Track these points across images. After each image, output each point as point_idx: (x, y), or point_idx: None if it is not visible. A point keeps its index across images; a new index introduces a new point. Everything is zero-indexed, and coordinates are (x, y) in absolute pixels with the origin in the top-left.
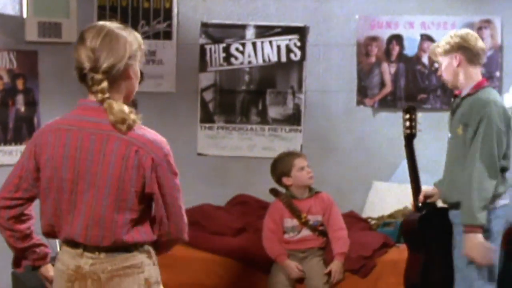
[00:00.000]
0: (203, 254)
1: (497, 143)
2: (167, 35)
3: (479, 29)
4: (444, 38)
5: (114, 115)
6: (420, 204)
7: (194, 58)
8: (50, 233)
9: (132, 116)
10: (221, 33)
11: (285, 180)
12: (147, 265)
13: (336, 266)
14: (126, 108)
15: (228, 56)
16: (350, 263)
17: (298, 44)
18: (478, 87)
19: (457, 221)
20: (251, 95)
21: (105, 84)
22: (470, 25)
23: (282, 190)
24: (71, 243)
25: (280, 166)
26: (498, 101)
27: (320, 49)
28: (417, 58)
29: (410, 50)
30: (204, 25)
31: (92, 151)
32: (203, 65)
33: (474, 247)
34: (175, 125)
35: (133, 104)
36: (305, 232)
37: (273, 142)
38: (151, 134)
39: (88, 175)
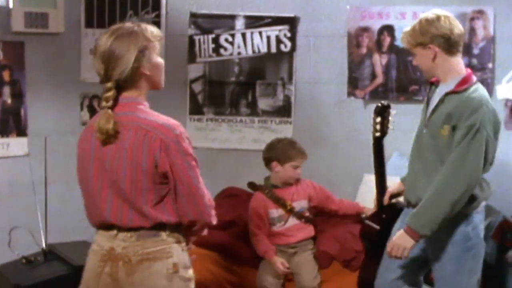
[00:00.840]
0: (192, 248)
1: (485, 152)
2: (156, 26)
3: (472, 20)
4: (414, 26)
5: (98, 126)
6: (384, 204)
7: (183, 49)
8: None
9: (110, 127)
10: (210, 23)
11: (275, 165)
12: (176, 250)
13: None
14: (107, 124)
15: (217, 47)
16: (341, 254)
17: (288, 35)
18: (466, 83)
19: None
20: (240, 87)
21: (111, 93)
22: (462, 16)
23: (260, 182)
24: (105, 227)
25: (281, 151)
26: (490, 103)
27: (310, 40)
28: (408, 49)
29: (401, 41)
30: (193, 16)
31: None
32: (192, 56)
33: (401, 247)
34: None
35: None
36: (292, 221)
37: (263, 134)
38: (163, 118)
39: (108, 162)
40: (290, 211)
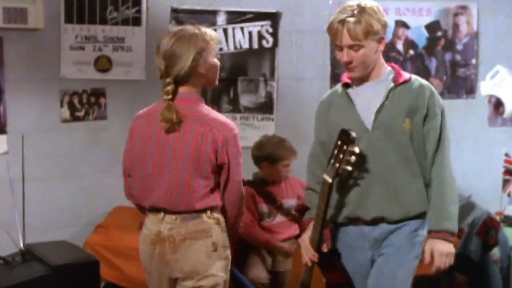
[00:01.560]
0: None
1: None
2: (136, 21)
3: (455, 15)
4: (361, 14)
5: (162, 115)
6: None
7: None
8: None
9: (174, 117)
10: (192, 19)
11: (266, 165)
12: (215, 230)
13: None
14: (171, 114)
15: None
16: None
17: (270, 30)
18: (403, 74)
19: (403, 238)
20: (222, 83)
21: (170, 87)
22: (445, 11)
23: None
24: (155, 210)
25: (271, 152)
26: None
27: (292, 36)
28: (391, 45)
29: None
30: (174, 11)
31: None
32: None
33: (449, 254)
34: None
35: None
36: (280, 218)
37: (245, 131)
38: (222, 117)
39: (170, 149)
40: (279, 208)
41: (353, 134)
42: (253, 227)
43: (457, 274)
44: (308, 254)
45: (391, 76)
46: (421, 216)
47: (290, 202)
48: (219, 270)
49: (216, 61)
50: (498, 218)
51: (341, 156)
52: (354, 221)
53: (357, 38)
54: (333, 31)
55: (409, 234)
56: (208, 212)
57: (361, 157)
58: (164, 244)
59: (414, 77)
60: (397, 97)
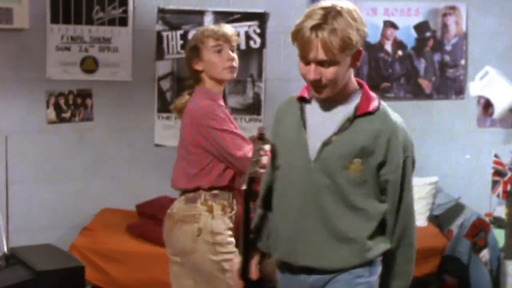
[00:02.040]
0: (159, 249)
1: None
2: (123, 21)
3: (444, 16)
4: (335, 22)
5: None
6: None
7: (151, 45)
8: None
9: (174, 105)
10: (179, 19)
11: None
12: (205, 217)
13: None
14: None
15: (185, 43)
16: None
17: (258, 31)
18: (373, 99)
19: None
20: None
21: (187, 82)
22: (434, 11)
23: None
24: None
25: None
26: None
27: (280, 36)
28: (380, 46)
29: (372, 37)
30: (161, 11)
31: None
32: (160, 53)
33: None
34: (132, 115)
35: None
36: None
37: None
38: (196, 102)
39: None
40: None
41: (264, 131)
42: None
43: (446, 276)
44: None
45: (357, 101)
46: (365, 264)
47: None
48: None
49: (213, 57)
50: (487, 219)
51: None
52: (286, 265)
53: (332, 52)
54: (302, 40)
55: (349, 282)
56: (203, 198)
57: (298, 187)
58: (169, 221)
59: (383, 109)
60: (352, 131)
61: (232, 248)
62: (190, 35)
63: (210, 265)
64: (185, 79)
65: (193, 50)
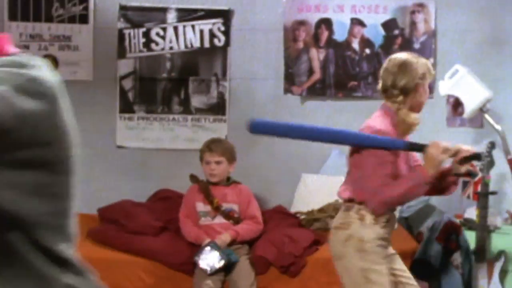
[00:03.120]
0: (123, 255)
1: None
2: (83, 19)
3: (412, 13)
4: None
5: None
6: None
7: (112, 43)
8: None
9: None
10: (141, 16)
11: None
12: (355, 225)
13: (223, 237)
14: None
15: (148, 42)
16: (279, 259)
17: (222, 28)
18: None
19: None
20: (172, 83)
21: (400, 98)
22: (402, 9)
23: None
24: None
25: (200, 152)
26: None
27: (245, 34)
28: (347, 44)
29: (339, 35)
30: (123, 8)
31: None
32: (121, 51)
33: None
34: (93, 115)
35: None
36: (220, 219)
37: (197, 133)
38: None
39: None
40: (217, 209)
41: None
42: (186, 224)
43: (417, 280)
44: None
45: None
46: None
47: (230, 206)
48: None
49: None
50: (458, 221)
51: None
52: None
53: None
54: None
55: None
56: (356, 208)
57: None
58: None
59: None
60: None
61: (381, 259)
62: (153, 33)
63: (355, 272)
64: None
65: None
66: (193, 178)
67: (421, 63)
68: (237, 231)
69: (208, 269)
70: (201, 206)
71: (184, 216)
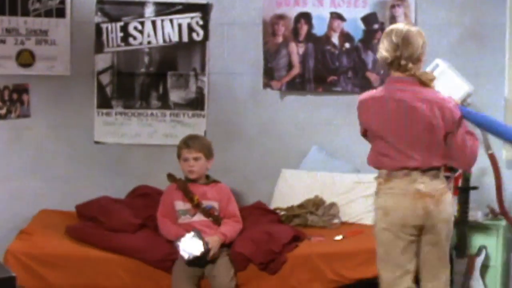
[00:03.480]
0: (101, 253)
1: None
2: (60, 13)
3: (392, 7)
4: None
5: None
6: None
7: (90, 38)
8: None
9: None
10: (118, 10)
11: (180, 163)
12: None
13: (212, 240)
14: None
15: (126, 36)
16: (258, 256)
17: (201, 22)
18: None
19: None
20: (151, 78)
21: (410, 65)
22: (382, 3)
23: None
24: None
25: (177, 149)
26: None
27: (224, 29)
28: (326, 38)
29: (319, 29)
30: (100, 2)
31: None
32: (99, 46)
33: None
34: (70, 111)
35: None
36: (199, 217)
37: (175, 128)
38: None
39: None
40: (197, 207)
41: None
42: (164, 223)
43: None
44: None
45: None
46: None
47: (211, 204)
48: None
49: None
50: None
51: None
52: None
53: None
54: None
55: None
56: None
57: None
58: (424, 199)
59: None
60: None
61: None
62: (131, 27)
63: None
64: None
65: None
66: (171, 177)
67: (419, 32)
68: (225, 234)
69: (187, 255)
70: (181, 205)
71: (162, 216)
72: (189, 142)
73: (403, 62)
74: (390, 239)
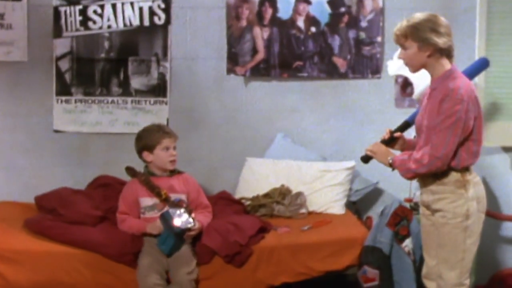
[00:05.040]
0: (60, 247)
1: None
2: None
3: None
4: None
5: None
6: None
7: (48, 22)
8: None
9: None
10: None
11: (146, 155)
12: None
13: (198, 225)
14: None
15: (85, 20)
16: (224, 248)
17: (162, 6)
18: None
19: None
20: (111, 64)
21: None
22: None
23: (140, 169)
24: None
25: (146, 139)
26: None
27: (186, 12)
28: (291, 22)
29: (284, 12)
30: None
31: None
32: (57, 30)
33: None
34: (28, 98)
35: None
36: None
37: (137, 115)
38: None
39: None
40: (166, 201)
41: None
42: (124, 220)
43: (367, 268)
44: None
45: None
46: None
47: (179, 197)
48: None
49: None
50: (408, 205)
51: None
52: None
53: None
54: None
55: None
56: None
57: None
58: None
59: None
60: None
61: None
62: (90, 11)
63: None
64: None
65: None
66: (131, 170)
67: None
68: (203, 224)
69: (181, 224)
70: (147, 201)
71: (122, 213)
72: (168, 130)
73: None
74: (481, 226)
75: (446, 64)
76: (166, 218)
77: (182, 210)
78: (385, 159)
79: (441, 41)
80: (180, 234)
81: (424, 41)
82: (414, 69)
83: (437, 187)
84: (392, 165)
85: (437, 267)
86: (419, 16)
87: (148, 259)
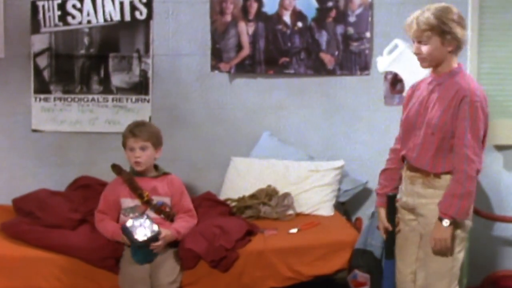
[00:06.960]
0: (38, 252)
1: None
2: None
3: None
4: None
5: None
6: None
7: (25, 17)
8: None
9: None
10: None
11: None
12: None
13: (165, 232)
14: None
15: (64, 15)
16: (209, 253)
17: (144, 0)
18: None
19: None
20: (91, 61)
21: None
22: None
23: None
24: None
25: (122, 137)
26: None
27: (169, 7)
28: (277, 17)
29: (269, 7)
30: None
31: None
32: (35, 26)
33: None
34: (5, 97)
35: None
36: (150, 214)
37: (118, 114)
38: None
39: None
40: (147, 203)
41: None
42: (101, 220)
43: (357, 272)
44: None
45: None
46: None
47: (162, 199)
48: None
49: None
50: (398, 205)
51: None
52: None
53: None
54: None
55: None
56: None
57: None
58: None
59: None
60: None
61: None
62: (69, 5)
63: None
64: None
65: None
66: (116, 168)
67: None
68: (179, 232)
69: (140, 236)
70: (129, 202)
71: (100, 212)
72: (135, 130)
73: None
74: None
75: (455, 60)
76: (126, 233)
77: (145, 218)
78: (445, 232)
79: (464, 35)
80: (145, 246)
81: (451, 35)
82: (430, 65)
83: (425, 191)
84: (454, 218)
85: (412, 275)
86: (441, 7)
87: (131, 266)
